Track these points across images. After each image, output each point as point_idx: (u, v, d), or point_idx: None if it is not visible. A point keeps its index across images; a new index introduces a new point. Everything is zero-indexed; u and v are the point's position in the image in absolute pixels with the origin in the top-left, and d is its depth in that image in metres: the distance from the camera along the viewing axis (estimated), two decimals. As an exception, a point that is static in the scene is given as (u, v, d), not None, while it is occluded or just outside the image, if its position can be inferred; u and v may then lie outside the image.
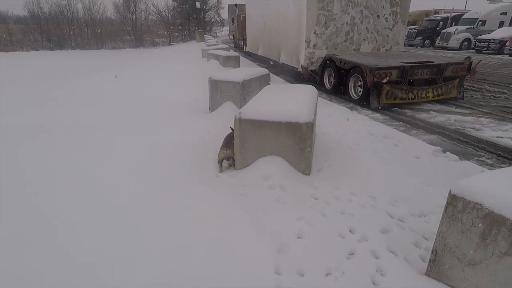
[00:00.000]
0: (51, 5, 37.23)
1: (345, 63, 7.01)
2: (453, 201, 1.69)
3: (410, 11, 8.92)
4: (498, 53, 16.89)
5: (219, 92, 5.40)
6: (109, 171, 3.19)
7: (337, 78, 7.48)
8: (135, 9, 41.27)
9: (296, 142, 3.10)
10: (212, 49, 12.60)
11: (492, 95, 7.42)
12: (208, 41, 21.30)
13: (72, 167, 3.23)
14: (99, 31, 37.98)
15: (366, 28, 8.27)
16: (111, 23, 40.42)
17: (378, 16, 8.20)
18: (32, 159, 3.41)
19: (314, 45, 8.02)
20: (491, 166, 3.77)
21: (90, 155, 3.54)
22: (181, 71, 10.76)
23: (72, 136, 4.16)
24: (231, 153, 3.34)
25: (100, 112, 5.77)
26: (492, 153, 4.18)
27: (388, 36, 8.56)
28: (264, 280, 1.90)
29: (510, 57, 15.31)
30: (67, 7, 37.20)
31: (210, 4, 44.71)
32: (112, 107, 6.17)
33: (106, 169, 3.23)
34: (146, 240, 2.21)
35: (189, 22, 43.56)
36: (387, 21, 8.36)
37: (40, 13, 36.52)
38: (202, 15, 43.92)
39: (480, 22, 20.64)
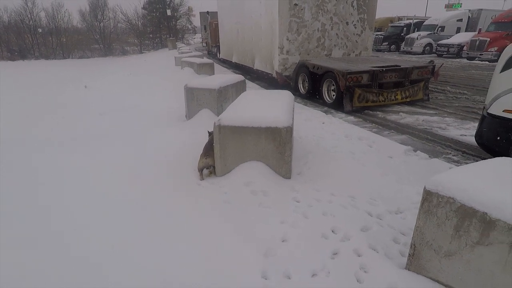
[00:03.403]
0: (10, 13, 35.44)
1: (318, 68, 7.21)
2: (428, 196, 1.78)
3: (376, 18, 9.37)
4: (457, 57, 18.09)
5: (195, 99, 5.37)
6: (85, 186, 3.07)
7: (310, 83, 7.68)
8: (103, 17, 40.16)
9: (276, 147, 3.15)
10: (185, 57, 12.49)
11: (454, 96, 7.92)
12: (180, 48, 21.08)
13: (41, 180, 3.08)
14: (64, 40, 36.46)
15: (336, 34, 8.58)
16: (77, 32, 38.96)
17: (347, 23, 8.54)
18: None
19: (287, 51, 8.20)
20: (458, 163, 4.01)
21: (66, 167, 3.39)
22: (154, 80, 10.59)
23: (50, 146, 3.98)
24: (211, 161, 3.33)
25: (73, 124, 5.54)
26: (457, 150, 4.45)
27: (357, 42, 8.93)
28: (252, 286, 1.90)
29: (468, 61, 16.43)
30: (29, 16, 35.54)
31: (181, 12, 44.42)
32: (85, 118, 5.95)
33: (85, 180, 3.11)
34: (129, 251, 2.15)
35: (160, 29, 42.93)
36: (355, 28, 8.72)
37: (-2, 21, 34.66)
38: (174, 22, 43.45)
39: (440, 28, 22.03)
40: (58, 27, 36.80)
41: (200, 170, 3.33)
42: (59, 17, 37.18)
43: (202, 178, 3.32)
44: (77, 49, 37.01)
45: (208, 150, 3.37)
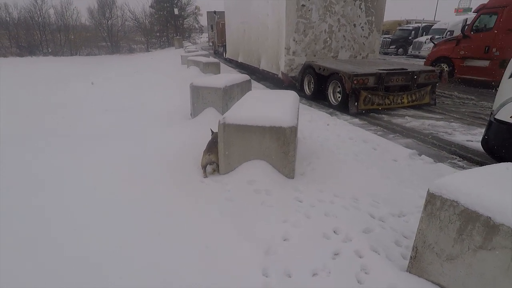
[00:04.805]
0: (20, 10, 35.91)
1: (324, 70, 7.19)
2: (432, 199, 1.78)
3: (383, 20, 9.32)
4: (465, 62, 17.90)
5: (200, 98, 5.39)
6: (91, 182, 3.10)
7: (316, 84, 7.66)
8: (111, 15, 40.48)
9: (280, 146, 3.15)
10: (192, 56, 12.54)
11: (462, 101, 7.84)
12: (187, 47, 21.17)
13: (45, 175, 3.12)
14: (72, 37, 36.83)
15: (343, 36, 8.56)
16: (85, 29, 39.34)
17: (354, 25, 8.52)
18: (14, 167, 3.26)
19: (293, 52, 8.20)
20: (463, 168, 3.97)
21: (67, 166, 3.42)
22: (160, 78, 10.66)
23: (51, 145, 4.01)
24: (214, 158, 3.34)
25: (78, 120, 5.60)
26: (463, 155, 4.41)
27: (364, 44, 8.89)
28: (252, 283, 1.91)
29: (476, 65, 16.26)
30: (38, 12, 35.97)
31: (189, 11, 44.61)
32: (90, 115, 6.00)
33: (86, 180, 3.14)
34: (129, 251, 2.16)
35: (167, 28, 43.15)
36: (363, 30, 8.69)
37: (8, 18, 35.13)
38: (181, 21, 43.64)
39: (449, 32, 21.82)
40: (66, 24, 37.20)
41: (204, 167, 3.35)
42: (67, 15, 37.66)
43: (205, 176, 3.33)
44: (84, 46, 37.37)
45: (211, 146, 3.39)
